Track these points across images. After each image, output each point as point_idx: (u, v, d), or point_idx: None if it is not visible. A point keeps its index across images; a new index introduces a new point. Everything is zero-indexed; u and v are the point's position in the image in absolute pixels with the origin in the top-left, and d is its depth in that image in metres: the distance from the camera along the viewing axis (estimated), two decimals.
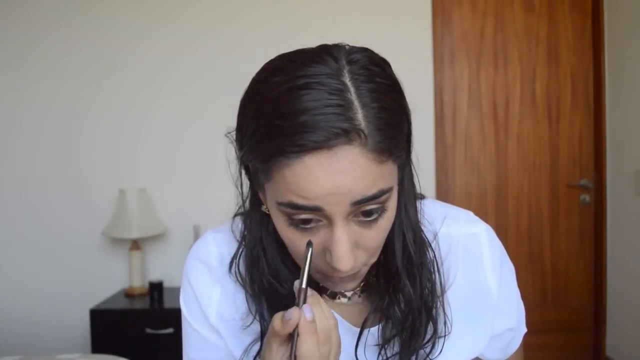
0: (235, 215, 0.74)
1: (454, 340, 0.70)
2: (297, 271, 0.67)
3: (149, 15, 2.73)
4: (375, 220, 0.58)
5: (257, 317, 0.69)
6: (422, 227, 0.69)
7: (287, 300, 0.61)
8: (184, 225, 2.69)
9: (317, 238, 0.58)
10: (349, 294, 0.71)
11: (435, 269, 0.69)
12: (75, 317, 2.63)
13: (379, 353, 0.68)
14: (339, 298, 0.71)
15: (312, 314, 0.55)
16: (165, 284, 2.57)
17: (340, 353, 0.61)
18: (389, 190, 0.57)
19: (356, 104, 0.53)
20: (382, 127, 0.54)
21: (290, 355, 0.55)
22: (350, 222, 0.57)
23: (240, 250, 0.71)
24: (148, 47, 2.73)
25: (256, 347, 0.70)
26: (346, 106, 0.52)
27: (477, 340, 0.72)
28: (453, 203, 0.79)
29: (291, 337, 0.56)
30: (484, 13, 2.85)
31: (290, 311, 0.55)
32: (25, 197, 2.72)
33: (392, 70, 0.59)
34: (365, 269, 0.63)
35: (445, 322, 0.69)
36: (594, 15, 2.85)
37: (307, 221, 0.57)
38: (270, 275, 0.67)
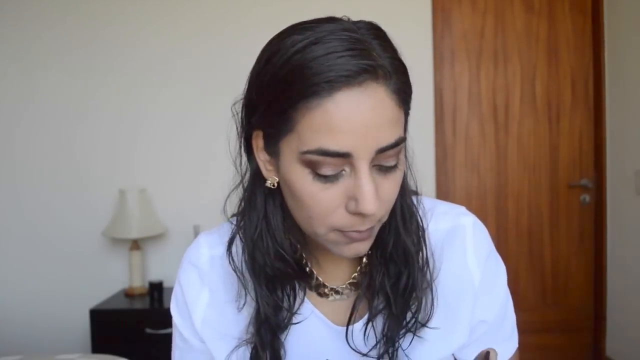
0: (232, 216, 0.73)
1: (437, 331, 0.69)
2: (299, 244, 0.68)
3: (149, 14, 2.73)
4: (392, 169, 0.59)
5: (254, 297, 0.68)
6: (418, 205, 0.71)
7: (287, 277, 0.65)
8: (184, 225, 2.69)
9: (340, 188, 0.57)
10: (340, 289, 0.71)
11: (426, 251, 0.69)
12: (75, 317, 2.63)
13: (365, 332, 0.67)
14: (332, 295, 0.71)
15: None
16: (165, 284, 2.57)
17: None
18: (404, 140, 0.59)
19: (374, 51, 0.56)
20: (397, 73, 0.57)
21: None
22: (372, 169, 0.58)
23: (237, 233, 0.70)
24: (148, 46, 2.73)
25: (240, 352, 0.69)
26: (368, 49, 0.55)
27: (459, 331, 0.71)
28: (453, 203, 0.79)
29: None
30: (484, 12, 2.85)
31: None
32: (25, 197, 2.72)
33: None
34: (378, 227, 0.63)
35: (432, 305, 0.68)
36: (594, 15, 2.85)
37: (332, 171, 0.57)
38: (277, 248, 0.66)
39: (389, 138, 0.56)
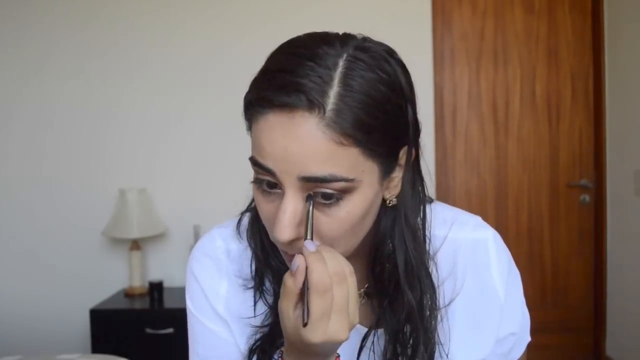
0: (242, 213, 0.75)
1: (461, 343, 0.70)
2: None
3: (153, 21, 2.73)
4: (330, 206, 0.57)
5: (271, 290, 0.70)
6: (427, 239, 0.69)
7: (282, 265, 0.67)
8: (184, 225, 2.68)
9: (275, 204, 0.58)
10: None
11: (433, 288, 0.68)
12: (75, 317, 2.63)
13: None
14: None
15: (314, 246, 0.55)
16: (165, 284, 2.57)
17: (359, 304, 0.59)
18: (347, 180, 0.55)
19: (336, 82, 0.54)
20: (356, 113, 0.54)
21: (303, 308, 0.53)
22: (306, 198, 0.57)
23: (248, 211, 0.73)
24: (150, 49, 2.73)
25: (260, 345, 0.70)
26: (324, 80, 0.54)
27: (483, 343, 0.72)
28: (453, 203, 0.79)
29: (302, 295, 0.54)
30: (484, 13, 2.85)
31: (295, 259, 0.54)
32: (25, 197, 2.72)
33: (401, 72, 0.60)
34: None
35: (442, 344, 0.68)
36: (594, 15, 2.85)
37: (270, 185, 0.58)
38: (263, 243, 0.69)
39: (315, 170, 0.54)
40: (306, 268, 0.54)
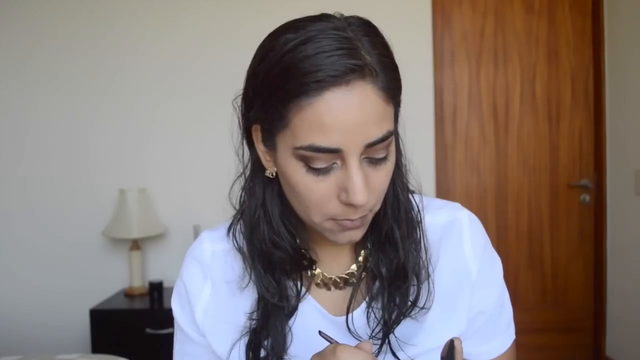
0: (234, 217, 0.75)
1: (436, 319, 0.71)
2: (295, 232, 0.69)
3: (151, 19, 2.73)
4: (382, 160, 0.61)
5: (253, 279, 0.71)
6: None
7: (284, 265, 0.68)
8: (184, 225, 2.69)
9: (332, 180, 0.60)
10: (339, 279, 0.73)
11: (422, 238, 0.71)
12: (75, 317, 2.63)
13: (367, 315, 0.69)
14: (330, 285, 0.73)
15: None
16: (165, 284, 2.57)
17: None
18: (392, 133, 0.61)
19: (368, 47, 0.58)
20: (385, 70, 0.59)
21: None
22: (362, 162, 0.60)
23: (238, 217, 0.73)
24: (149, 49, 2.73)
25: (242, 343, 0.71)
26: (355, 49, 0.57)
27: (457, 320, 0.73)
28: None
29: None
30: (484, 13, 2.85)
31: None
32: (25, 197, 2.72)
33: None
34: (370, 216, 0.65)
35: (429, 291, 0.70)
36: (594, 15, 2.85)
37: (322, 165, 0.60)
38: (272, 235, 0.69)
39: (377, 133, 0.58)
40: None
